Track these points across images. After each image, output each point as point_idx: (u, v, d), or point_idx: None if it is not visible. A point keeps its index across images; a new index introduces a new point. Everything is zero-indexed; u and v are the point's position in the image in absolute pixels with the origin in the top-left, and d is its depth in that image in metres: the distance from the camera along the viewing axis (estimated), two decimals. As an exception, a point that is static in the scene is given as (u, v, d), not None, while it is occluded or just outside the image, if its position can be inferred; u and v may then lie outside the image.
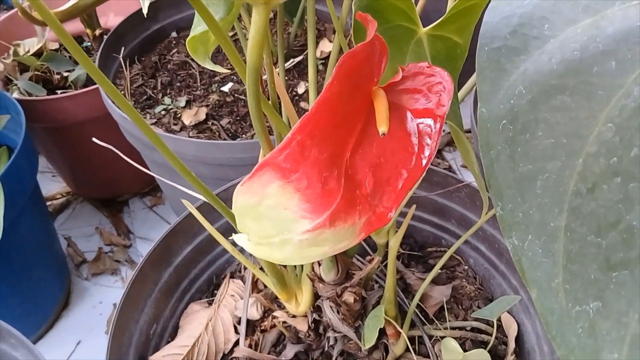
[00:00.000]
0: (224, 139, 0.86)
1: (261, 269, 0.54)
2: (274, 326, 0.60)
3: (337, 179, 0.27)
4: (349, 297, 0.51)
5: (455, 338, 0.54)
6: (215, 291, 0.67)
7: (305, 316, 0.55)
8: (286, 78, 0.95)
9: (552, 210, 0.22)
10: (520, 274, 0.23)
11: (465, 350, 0.52)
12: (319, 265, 0.50)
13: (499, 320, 0.61)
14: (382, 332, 0.55)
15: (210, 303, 0.66)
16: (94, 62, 0.87)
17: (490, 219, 0.60)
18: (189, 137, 0.86)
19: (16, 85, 1.04)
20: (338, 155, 0.27)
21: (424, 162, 0.27)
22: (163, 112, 0.92)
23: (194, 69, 1.00)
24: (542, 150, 0.23)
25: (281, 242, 0.27)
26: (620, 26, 0.22)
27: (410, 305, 0.55)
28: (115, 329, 0.55)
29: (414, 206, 0.51)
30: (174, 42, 1.07)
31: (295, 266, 0.54)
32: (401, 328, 0.54)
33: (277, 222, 0.27)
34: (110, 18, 1.19)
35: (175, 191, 0.50)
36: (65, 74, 1.08)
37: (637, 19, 0.22)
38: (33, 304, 0.95)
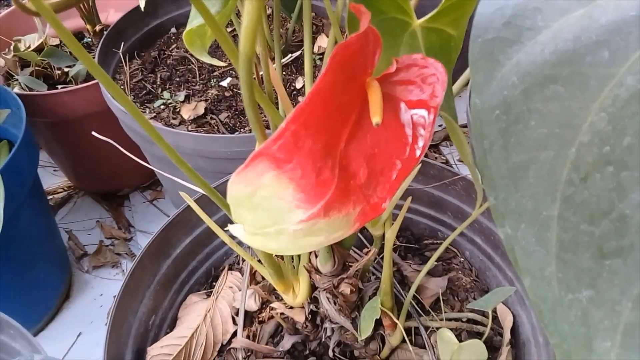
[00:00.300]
0: (223, 133, 0.86)
1: (259, 261, 0.55)
2: (271, 317, 0.60)
3: (332, 169, 0.27)
4: (345, 289, 0.51)
5: (451, 329, 0.54)
6: (214, 283, 0.68)
7: (303, 307, 0.56)
8: (284, 73, 0.95)
9: (545, 200, 0.22)
10: (513, 262, 0.23)
11: (461, 341, 0.52)
12: (316, 256, 0.51)
13: (494, 311, 0.62)
14: (378, 323, 0.56)
15: (208, 295, 0.66)
16: (93, 57, 0.87)
17: (485, 211, 0.60)
18: (188, 131, 0.86)
19: (17, 80, 1.04)
20: (332, 146, 0.27)
21: (418, 152, 0.28)
22: (162, 107, 0.92)
23: (193, 64, 1.00)
24: (535, 140, 0.23)
25: (276, 232, 0.27)
26: (614, 16, 0.22)
27: (406, 296, 0.55)
28: (113, 320, 0.56)
29: (410, 198, 0.51)
30: (173, 37, 1.07)
31: (292, 258, 0.55)
32: (397, 319, 0.55)
33: (272, 212, 0.27)
34: (111, 14, 1.19)
35: (175, 185, 0.50)
36: (65, 70, 1.09)
37: (630, 8, 0.22)
38: (34, 296, 0.95)
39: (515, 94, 0.23)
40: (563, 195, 0.22)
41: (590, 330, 0.21)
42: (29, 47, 1.08)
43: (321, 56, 0.98)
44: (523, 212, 0.23)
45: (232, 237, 0.52)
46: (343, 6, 0.43)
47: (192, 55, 1.00)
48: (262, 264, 0.53)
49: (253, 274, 0.65)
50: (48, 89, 1.04)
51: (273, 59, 0.83)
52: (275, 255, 0.52)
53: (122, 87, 0.95)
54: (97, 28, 1.10)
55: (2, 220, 0.71)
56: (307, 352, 0.58)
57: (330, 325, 0.55)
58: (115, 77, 0.98)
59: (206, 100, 0.92)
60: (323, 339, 0.57)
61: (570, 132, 0.22)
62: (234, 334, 0.61)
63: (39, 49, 1.08)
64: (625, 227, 0.20)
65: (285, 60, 0.96)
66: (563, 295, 0.22)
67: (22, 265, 0.90)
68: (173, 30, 1.08)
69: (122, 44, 0.99)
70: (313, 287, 0.54)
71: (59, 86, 1.06)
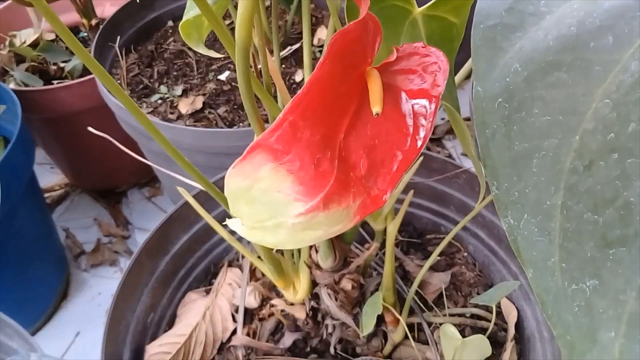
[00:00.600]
0: (221, 128, 0.86)
1: (259, 257, 0.54)
2: (272, 314, 0.60)
3: (331, 160, 0.27)
4: (346, 284, 0.51)
5: (454, 325, 0.53)
6: (213, 280, 0.67)
7: (303, 304, 0.55)
8: (283, 66, 0.94)
9: (548, 189, 0.22)
10: (516, 253, 0.23)
11: (464, 337, 0.52)
12: (317, 252, 0.50)
13: (498, 306, 0.61)
14: (380, 320, 0.55)
15: (208, 292, 0.66)
16: (89, 52, 0.86)
17: (489, 204, 0.60)
18: (186, 125, 0.86)
19: (12, 76, 1.04)
20: (331, 137, 0.27)
21: (419, 143, 0.27)
22: (159, 101, 0.92)
23: (190, 57, 1.00)
24: (538, 128, 0.22)
25: (275, 226, 0.26)
26: (617, 1, 0.22)
27: (409, 292, 0.55)
28: (111, 318, 0.55)
29: (412, 191, 0.50)
30: (170, 31, 1.06)
31: (292, 254, 0.54)
32: (400, 315, 0.54)
33: (270, 206, 0.26)
34: (107, 8, 1.18)
35: (173, 181, 0.49)
36: (61, 65, 1.08)
37: (634, -7, 0.22)
38: (32, 295, 0.95)
39: (517, 81, 0.23)
40: (567, 183, 0.22)
41: (594, 321, 0.21)
42: (25, 42, 1.07)
43: (321, 48, 0.98)
44: (526, 201, 0.22)
45: (232, 233, 0.52)
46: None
47: (189, 48, 1.00)
48: (262, 260, 0.53)
49: (253, 271, 0.64)
50: (44, 85, 1.03)
51: (272, 52, 0.82)
52: (275, 251, 0.51)
53: (118, 81, 0.95)
54: (93, 22, 1.09)
55: (-2, 218, 0.71)
56: (308, 349, 0.58)
57: (331, 322, 0.55)
58: (112, 71, 0.97)
59: (204, 95, 0.92)
60: (324, 336, 0.56)
61: (574, 120, 0.21)
62: (234, 332, 0.61)
63: (34, 44, 1.08)
64: (630, 215, 0.20)
65: (284, 52, 0.95)
66: (566, 286, 0.21)
67: (19, 264, 0.89)
68: (170, 23, 1.08)
69: (119, 37, 0.98)
70: (314, 283, 0.53)
71: (55, 82, 1.05)
